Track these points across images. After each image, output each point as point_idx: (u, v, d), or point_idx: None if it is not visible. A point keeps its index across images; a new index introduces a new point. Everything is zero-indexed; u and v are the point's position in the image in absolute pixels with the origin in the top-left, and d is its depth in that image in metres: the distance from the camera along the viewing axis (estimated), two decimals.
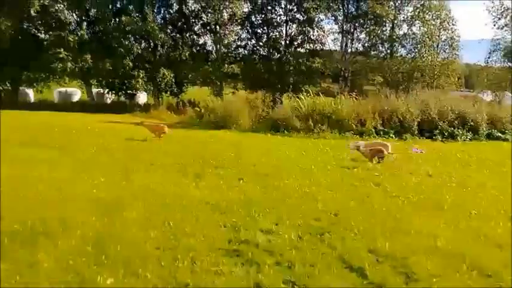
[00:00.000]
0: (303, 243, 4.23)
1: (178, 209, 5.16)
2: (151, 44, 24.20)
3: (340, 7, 26.83)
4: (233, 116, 15.33)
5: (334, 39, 27.90)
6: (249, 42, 26.38)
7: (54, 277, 3.34)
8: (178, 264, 3.66)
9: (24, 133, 10.11)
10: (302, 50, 26.10)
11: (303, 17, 25.26)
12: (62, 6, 22.82)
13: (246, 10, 25.56)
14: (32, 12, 21.12)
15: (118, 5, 24.47)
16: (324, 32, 26.14)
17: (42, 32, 23.66)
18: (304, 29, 25.52)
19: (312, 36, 25.78)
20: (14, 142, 8.70)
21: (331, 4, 25.86)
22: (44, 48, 21.63)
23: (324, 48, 26.48)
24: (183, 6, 24.99)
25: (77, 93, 27.47)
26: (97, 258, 3.68)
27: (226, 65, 26.03)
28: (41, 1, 21.09)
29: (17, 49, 21.71)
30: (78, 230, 4.23)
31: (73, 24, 23.53)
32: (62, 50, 21.15)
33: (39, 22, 23.26)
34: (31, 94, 26.19)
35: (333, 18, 27.30)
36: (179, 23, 25.22)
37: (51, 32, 22.30)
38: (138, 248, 3.96)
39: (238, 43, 26.38)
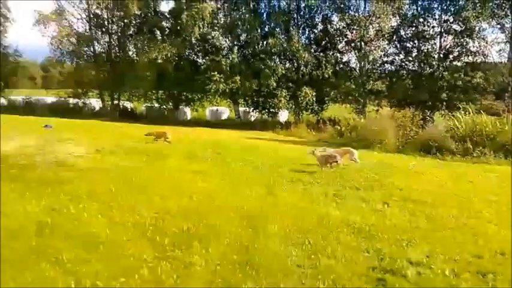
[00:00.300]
0: (460, 282, 3.72)
1: (318, 228, 5.10)
2: (295, 63, 25.03)
3: (508, 13, 23.45)
4: (377, 134, 14.61)
5: (500, 50, 24.43)
6: (396, 58, 25.07)
7: (205, 279, 3.58)
8: (319, 284, 3.58)
9: (184, 147, 11.30)
10: (459, 64, 23.56)
11: (460, 27, 22.79)
12: (218, 33, 25.38)
13: (394, 24, 24.44)
14: (192, 40, 23.94)
15: (266, 29, 26.08)
16: (486, 43, 23.23)
17: (200, 57, 26.65)
18: (461, 40, 22.98)
19: (471, 48, 23.03)
20: (178, 155, 9.77)
21: (496, 11, 22.87)
22: (201, 72, 24.20)
23: (487, 60, 23.49)
24: (328, 25, 25.29)
25: (225, 112, 30.01)
26: (242, 267, 3.84)
27: (370, 82, 25.26)
28: (201, 30, 23.77)
29: (178, 73, 24.88)
30: (226, 238, 4.50)
31: (226, 48, 25.81)
32: (215, 73, 23.39)
33: (198, 48, 26.29)
34: (188, 112, 29.58)
35: (499, 26, 24.02)
36: (323, 42, 25.56)
37: (207, 57, 24.89)
38: (280, 262, 4.02)
39: (385, 59, 25.30)
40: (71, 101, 29.19)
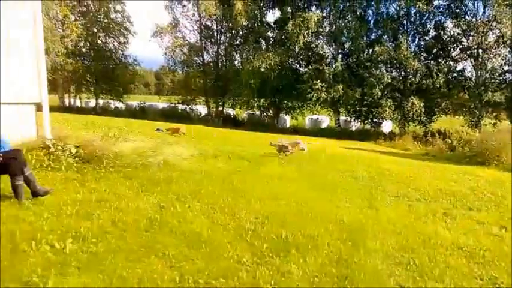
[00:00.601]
0: None
1: (425, 249, 4.70)
2: (403, 72, 23.77)
3: None
4: (494, 150, 13.12)
5: None
6: None
7: None
8: None
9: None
10: None
11: None
12: (322, 41, 25.24)
13: None
14: (296, 48, 24.12)
15: (372, 36, 25.25)
16: None
17: (303, 65, 26.77)
18: None
19: None
20: (277, 162, 9.85)
21: None
22: (303, 80, 24.23)
23: None
24: (441, 31, 23.58)
25: (325, 121, 29.68)
26: (341, 281, 3.68)
27: (488, 93, 22.92)
28: (305, 39, 23.83)
29: (280, 82, 25.26)
30: (324, 250, 4.35)
31: (330, 57, 25.53)
32: (318, 81, 23.25)
33: (301, 57, 26.42)
34: (287, 120, 29.90)
35: None
36: (435, 50, 23.89)
37: (310, 66, 24.86)
38: (381, 280, 3.78)
39: (506, 68, 22.80)
40: (180, 106, 31.47)
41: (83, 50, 33.70)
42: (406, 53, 22.67)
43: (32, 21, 7.84)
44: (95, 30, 33.60)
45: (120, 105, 34.82)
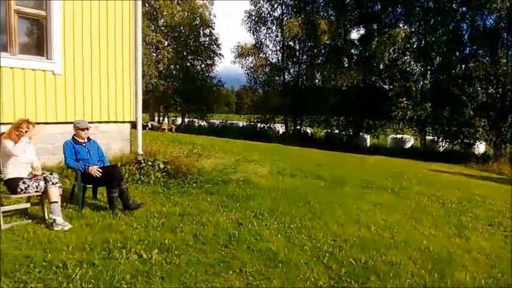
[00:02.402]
0: None
1: None
2: (500, 89, 21.81)
3: None
4: None
5: None
6: None
7: None
8: None
9: (361, 175, 11.04)
10: None
11: None
12: (409, 58, 24.13)
13: None
14: (381, 66, 23.39)
15: (466, 51, 23.65)
16: None
17: (387, 83, 25.83)
18: None
19: None
20: (355, 183, 9.61)
21: None
22: (386, 98, 23.32)
23: None
24: None
25: (410, 140, 28.18)
26: None
27: None
28: (391, 55, 23.01)
29: (362, 99, 24.61)
30: (407, 279, 4.12)
31: (417, 74, 24.33)
32: (404, 99, 22.23)
33: (386, 75, 25.54)
34: (368, 139, 28.95)
35: None
36: None
37: (395, 83, 23.87)
38: None
39: None
40: (259, 125, 32.13)
41: (173, 72, 36.18)
42: (505, 68, 20.81)
43: (132, 47, 8.64)
44: (185, 53, 35.95)
45: (203, 123, 36.57)
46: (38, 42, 7.50)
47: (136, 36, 8.66)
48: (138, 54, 8.73)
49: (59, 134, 7.11)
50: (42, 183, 4.83)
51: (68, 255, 3.92)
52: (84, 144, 5.70)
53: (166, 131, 24.45)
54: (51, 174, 4.98)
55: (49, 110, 7.38)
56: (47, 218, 4.85)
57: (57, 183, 4.90)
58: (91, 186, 5.90)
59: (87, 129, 5.75)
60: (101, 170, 5.53)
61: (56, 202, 4.80)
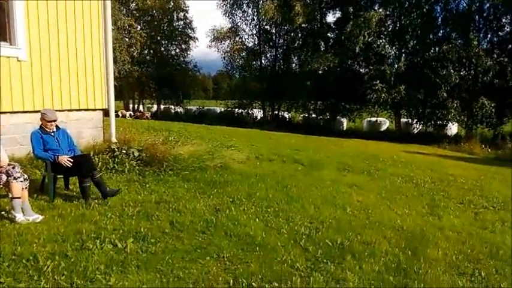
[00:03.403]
0: None
1: (492, 259, 4.43)
2: (472, 71, 22.29)
3: None
4: None
5: None
6: None
7: None
8: None
9: (338, 158, 11.16)
10: None
11: None
12: (384, 41, 24.31)
13: None
14: (356, 49, 23.49)
15: (439, 34, 24.00)
16: None
17: (363, 66, 26.00)
18: None
19: None
20: (333, 166, 9.71)
21: None
22: (362, 82, 23.53)
23: None
24: None
25: (385, 123, 28.66)
26: None
27: None
28: (366, 39, 23.13)
29: (338, 83, 24.73)
30: (382, 258, 4.20)
31: (392, 57, 24.56)
32: (378, 82, 22.46)
33: (361, 58, 25.70)
34: (344, 123, 29.27)
35: None
36: (510, 46, 22.16)
37: (370, 67, 24.08)
38: None
39: None
40: (237, 110, 31.97)
41: (147, 57, 35.42)
42: (476, 51, 21.26)
43: (102, 31, 8.36)
44: (159, 38, 35.18)
45: (180, 109, 36.13)
46: (0, 27, 7.14)
47: (106, 19, 8.38)
48: (108, 38, 8.46)
49: (27, 124, 6.85)
50: (4, 176, 4.54)
51: (39, 247, 3.81)
52: (52, 134, 5.50)
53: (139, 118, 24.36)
54: (13, 168, 4.68)
55: (15, 98, 7.07)
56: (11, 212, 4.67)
57: (19, 177, 4.58)
58: (62, 176, 5.73)
59: (54, 121, 5.52)
60: (71, 160, 5.37)
61: (17, 198, 4.53)
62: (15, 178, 4.56)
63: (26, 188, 4.71)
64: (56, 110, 5.90)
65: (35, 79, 7.36)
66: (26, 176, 4.79)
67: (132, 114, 27.40)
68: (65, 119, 7.58)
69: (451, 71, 21.75)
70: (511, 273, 4.11)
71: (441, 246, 4.70)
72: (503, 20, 22.73)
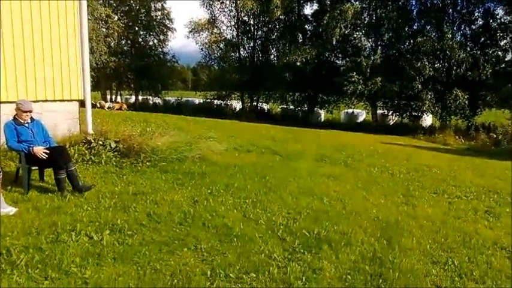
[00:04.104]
0: None
1: (464, 248, 4.55)
2: (446, 63, 22.78)
3: None
4: None
5: None
6: None
7: (333, 287, 3.46)
8: None
9: (314, 150, 11.27)
10: None
11: None
12: (360, 33, 24.58)
13: None
14: (333, 41, 23.66)
15: (414, 27, 24.39)
16: None
17: (340, 58, 26.25)
18: None
19: None
20: (310, 157, 9.80)
21: None
22: (339, 73, 23.76)
23: None
24: (490, 19, 22.37)
25: (362, 114, 29.07)
26: (375, 280, 3.61)
27: None
28: (342, 31, 23.32)
29: (316, 75, 24.89)
30: (357, 247, 4.28)
31: (368, 49, 24.85)
32: (354, 73, 22.72)
33: (338, 50, 25.92)
34: (322, 115, 29.53)
35: None
36: (482, 39, 22.72)
37: (347, 59, 24.31)
38: (417, 280, 3.67)
39: None
40: (215, 102, 31.80)
41: (125, 48, 34.75)
42: (450, 43, 21.72)
43: (77, 21, 8.15)
44: (136, 28, 34.54)
45: (158, 101, 35.68)
46: None
47: (81, 9, 8.16)
48: (84, 29, 8.25)
49: (1, 115, 6.64)
50: None
51: (13, 240, 3.73)
52: (27, 125, 5.36)
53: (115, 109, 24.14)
54: None
55: None
56: None
57: None
58: (37, 168, 5.61)
59: (30, 111, 5.39)
60: (47, 151, 5.26)
61: None
62: None
63: None
64: (31, 101, 5.74)
65: (9, 69, 7.14)
66: None
67: (111, 105, 26.74)
68: (40, 110, 7.37)
69: (426, 63, 22.21)
70: (484, 261, 4.24)
71: (415, 236, 4.81)
72: (476, 14, 23.28)
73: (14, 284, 3.06)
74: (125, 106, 27.50)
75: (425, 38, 22.25)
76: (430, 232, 5.01)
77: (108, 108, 25.52)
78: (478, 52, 22.26)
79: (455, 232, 5.08)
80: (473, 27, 23.48)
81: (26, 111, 5.29)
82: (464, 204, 6.56)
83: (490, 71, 21.50)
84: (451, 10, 23.52)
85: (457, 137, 18.91)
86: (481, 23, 23.13)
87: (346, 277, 3.62)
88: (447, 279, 3.75)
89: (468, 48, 22.70)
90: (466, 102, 21.79)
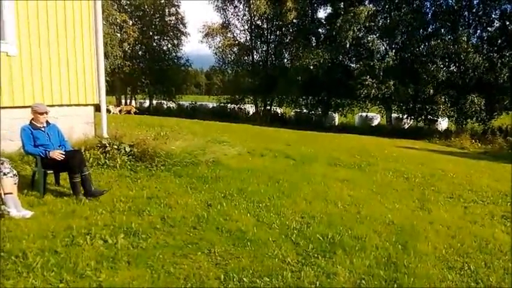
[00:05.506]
0: None
1: (481, 253, 4.47)
2: (461, 67, 22.43)
3: None
4: None
5: None
6: None
7: None
8: None
9: (330, 154, 11.20)
10: None
11: None
12: (374, 36, 24.38)
13: None
14: (347, 44, 23.53)
15: (430, 29, 24.10)
16: None
17: (354, 61, 26.08)
18: None
19: None
20: (324, 161, 9.74)
21: None
22: (353, 77, 23.60)
23: None
24: (507, 21, 21.95)
25: (376, 118, 28.80)
26: (389, 285, 3.58)
27: None
28: (355, 34, 23.17)
29: (329, 78, 24.77)
30: (372, 252, 4.24)
31: (382, 52, 24.65)
32: (367, 77, 22.54)
33: (352, 53, 25.77)
34: (336, 118, 29.36)
35: None
36: (499, 42, 22.30)
37: (361, 62, 24.14)
38: (432, 286, 3.64)
39: None
40: (229, 106, 31.91)
41: (139, 52, 35.19)
42: (465, 46, 21.39)
43: (93, 26, 8.28)
44: (151, 33, 34.96)
45: (172, 105, 35.97)
46: None
47: (97, 15, 8.29)
48: (99, 34, 8.38)
49: (17, 119, 6.76)
50: None
51: (29, 243, 3.79)
52: (43, 129, 5.44)
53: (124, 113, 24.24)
54: (2, 164, 4.66)
55: (5, 94, 7.00)
56: (2, 208, 4.64)
57: (8, 173, 4.61)
58: (52, 172, 5.69)
59: (46, 113, 5.48)
60: (63, 153, 5.34)
61: (10, 194, 4.53)
62: (4, 174, 4.54)
63: (15, 183, 4.68)
64: (47, 105, 5.83)
65: (25, 74, 7.29)
66: (15, 171, 4.76)
67: (116, 110, 26.82)
68: (56, 114, 7.49)
69: (441, 66, 21.87)
70: (501, 266, 4.16)
71: (431, 240, 4.74)
72: (493, 16, 22.89)
73: (30, 287, 3.10)
74: (133, 110, 27.74)
75: (439, 41, 21.95)
76: (445, 237, 4.94)
77: (119, 112, 25.75)
78: (495, 55, 21.83)
79: (472, 237, 4.99)
80: (489, 29, 23.07)
81: (42, 113, 5.38)
82: (481, 209, 6.44)
83: (507, 74, 21.07)
84: (466, 12, 23.19)
85: (473, 140, 18.56)
86: (497, 25, 22.73)
87: (360, 282, 3.58)
88: (463, 285, 3.70)
89: (484, 51, 22.30)
90: (482, 106, 21.40)
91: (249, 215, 5.18)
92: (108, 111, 24.90)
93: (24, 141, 5.30)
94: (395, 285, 3.56)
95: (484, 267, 4.11)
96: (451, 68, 22.89)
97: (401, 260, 4.08)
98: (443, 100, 21.99)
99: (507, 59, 21.19)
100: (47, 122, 5.55)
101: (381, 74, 22.77)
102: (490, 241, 4.87)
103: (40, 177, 5.37)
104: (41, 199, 5.18)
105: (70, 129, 7.55)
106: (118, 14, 30.25)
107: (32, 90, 7.40)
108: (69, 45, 7.95)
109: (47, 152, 5.29)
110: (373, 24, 24.40)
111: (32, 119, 5.43)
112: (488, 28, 23.07)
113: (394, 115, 26.25)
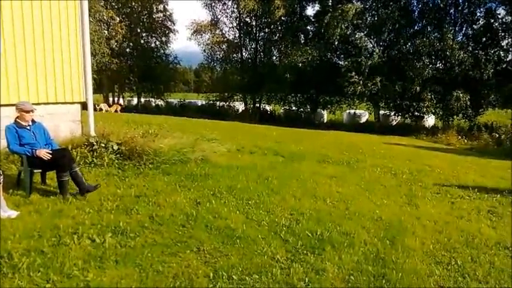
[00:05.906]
0: None
1: (468, 248, 4.53)
2: (447, 64, 22.70)
3: None
4: None
5: None
6: None
7: (337, 287, 3.44)
8: None
9: (318, 150, 11.25)
10: None
11: None
12: (362, 34, 24.53)
13: None
14: (335, 42, 23.62)
15: (416, 27, 24.34)
16: None
17: (342, 59, 26.22)
18: None
19: None
20: (312, 158, 9.78)
21: None
22: (341, 74, 23.73)
23: None
24: (492, 19, 22.29)
25: (365, 115, 29.02)
26: (377, 280, 3.59)
27: None
28: (343, 31, 23.27)
29: (318, 76, 24.87)
30: (360, 248, 4.27)
31: (369, 49, 24.81)
32: (353, 74, 22.68)
33: (340, 51, 25.89)
34: (325, 115, 29.51)
35: None
36: (484, 39, 22.63)
37: (349, 59, 24.28)
38: (420, 281, 3.66)
39: None
40: (218, 103, 31.83)
41: (127, 50, 34.83)
42: (451, 44, 21.65)
43: (79, 23, 8.16)
44: (138, 30, 34.63)
45: (161, 102, 35.74)
46: None
47: (83, 12, 8.18)
48: (86, 31, 8.26)
49: (2, 118, 6.65)
50: None
51: (14, 244, 3.73)
52: (28, 128, 5.36)
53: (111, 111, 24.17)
54: None
55: None
56: None
57: None
58: (39, 171, 5.61)
59: (32, 111, 5.38)
60: (50, 152, 5.26)
61: None
62: None
63: (0, 183, 4.59)
64: (33, 104, 5.74)
65: (10, 72, 7.16)
66: (0, 171, 4.67)
67: (102, 108, 26.21)
68: (42, 112, 7.38)
69: (426, 63, 22.12)
70: (487, 260, 4.22)
71: (418, 236, 4.79)
72: (478, 14, 23.22)
73: (15, 287, 3.05)
74: (118, 108, 27.20)
75: (425, 38, 22.19)
76: (433, 232, 4.99)
77: (100, 110, 25.22)
78: (480, 52, 22.15)
79: (458, 232, 5.06)
80: (474, 27, 23.42)
81: (28, 111, 5.29)
82: (467, 204, 6.52)
83: (492, 70, 21.39)
84: (452, 10, 23.49)
85: (459, 137, 18.84)
86: (482, 23, 23.08)
87: (349, 278, 3.61)
88: (450, 280, 3.74)
89: (470, 48, 22.61)
90: (468, 102, 21.70)
91: (238, 212, 5.18)
92: (100, 109, 24.66)
93: (9, 140, 5.20)
94: (384, 281, 3.59)
95: (471, 262, 4.16)
96: (437, 65, 23.17)
97: (389, 256, 4.12)
98: (429, 97, 22.24)
99: (492, 56, 21.53)
100: (33, 120, 5.46)
101: (367, 71, 22.94)
102: (476, 236, 4.94)
103: (26, 177, 5.29)
104: (27, 199, 5.11)
105: (56, 128, 7.46)
106: (105, 10, 29.89)
107: (17, 88, 7.28)
108: (55, 43, 7.83)
109: (34, 150, 5.21)
110: (360, 21, 24.56)
111: (17, 117, 5.33)
112: (473, 26, 23.44)
113: (382, 112, 26.48)
